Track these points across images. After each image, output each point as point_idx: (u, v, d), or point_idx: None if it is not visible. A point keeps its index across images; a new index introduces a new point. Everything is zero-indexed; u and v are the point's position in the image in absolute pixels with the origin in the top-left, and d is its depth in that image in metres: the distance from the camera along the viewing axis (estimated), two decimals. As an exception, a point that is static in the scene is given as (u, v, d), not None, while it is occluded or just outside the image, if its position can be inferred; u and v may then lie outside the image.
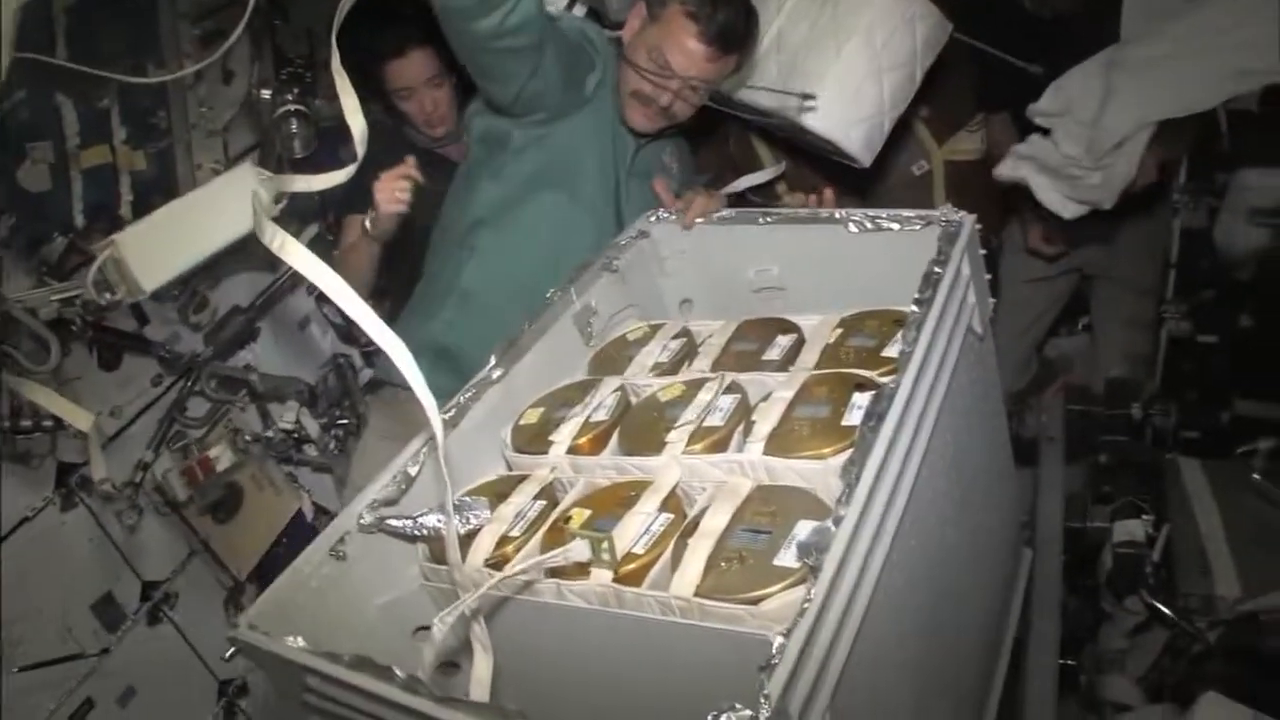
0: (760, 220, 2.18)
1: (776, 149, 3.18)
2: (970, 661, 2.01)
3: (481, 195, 2.41)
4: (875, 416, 1.43)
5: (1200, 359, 2.95)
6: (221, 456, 2.84)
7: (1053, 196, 2.67)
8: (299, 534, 3.04)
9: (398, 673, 1.27)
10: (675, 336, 2.08)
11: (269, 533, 3.02)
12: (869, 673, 1.31)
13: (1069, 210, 2.64)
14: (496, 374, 1.87)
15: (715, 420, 1.67)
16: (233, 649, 1.49)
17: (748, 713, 1.08)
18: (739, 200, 3.33)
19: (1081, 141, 2.53)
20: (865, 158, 2.74)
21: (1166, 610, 2.41)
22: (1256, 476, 2.61)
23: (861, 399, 1.58)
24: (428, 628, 1.40)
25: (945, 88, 3.13)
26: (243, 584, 2.94)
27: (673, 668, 1.43)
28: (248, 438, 2.96)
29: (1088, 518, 2.67)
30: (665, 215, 2.30)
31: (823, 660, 1.20)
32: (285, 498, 3.15)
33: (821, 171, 3.23)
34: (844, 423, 1.55)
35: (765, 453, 1.54)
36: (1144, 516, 2.61)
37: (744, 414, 1.67)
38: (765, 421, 1.60)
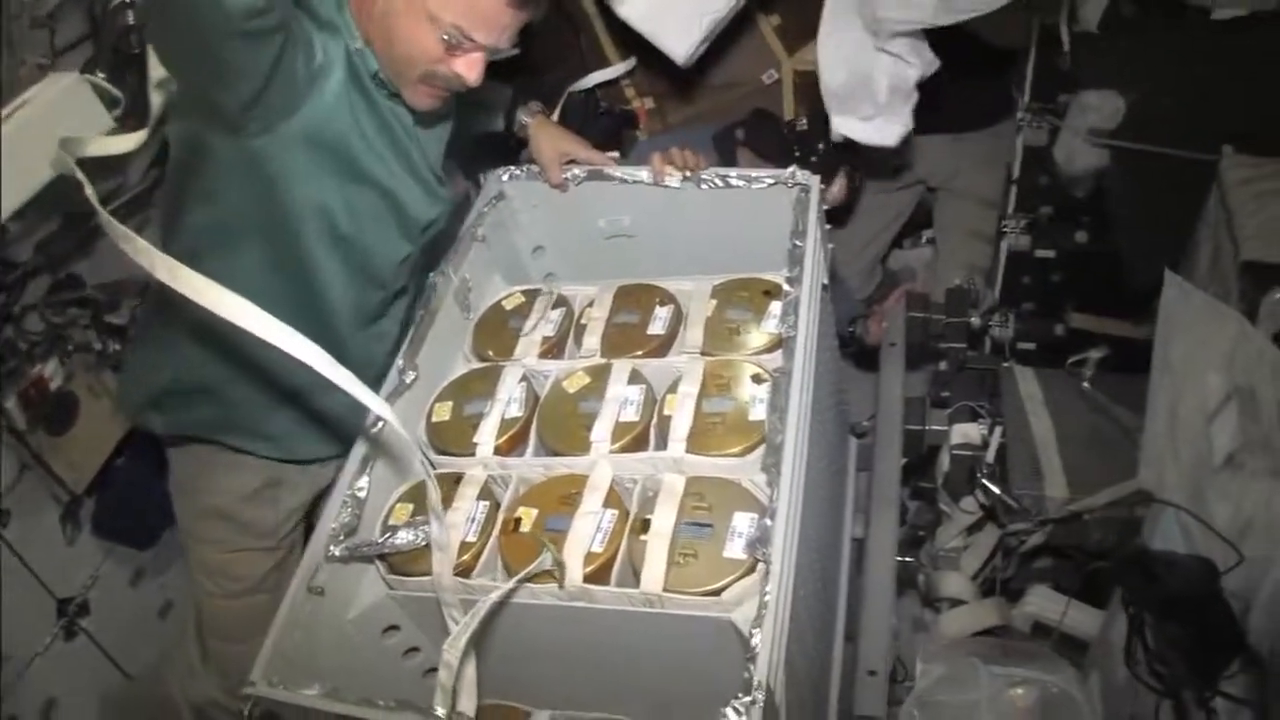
0: (617, 179, 2.32)
1: (628, 47, 3.15)
2: (830, 567, 2.31)
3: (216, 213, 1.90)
4: (777, 410, 1.74)
5: (1037, 273, 3.06)
6: (54, 373, 2.61)
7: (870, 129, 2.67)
8: (141, 445, 2.82)
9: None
10: (554, 306, 2.25)
11: (106, 444, 2.79)
12: (796, 620, 1.60)
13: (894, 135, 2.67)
14: (409, 378, 2.01)
15: (630, 415, 1.89)
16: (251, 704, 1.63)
17: (748, 698, 1.37)
18: (589, 96, 3.34)
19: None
20: (679, 55, 2.78)
21: (1006, 502, 2.50)
22: (1086, 385, 2.74)
23: (761, 391, 1.85)
24: (397, 627, 1.85)
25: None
26: (79, 498, 2.73)
27: (647, 651, 1.70)
28: (70, 347, 2.68)
29: (926, 421, 2.76)
30: (517, 173, 2.39)
31: (780, 634, 1.49)
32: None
33: (667, 75, 3.25)
34: (751, 417, 1.83)
35: (687, 451, 1.80)
36: (980, 421, 2.72)
37: (653, 406, 1.92)
38: (680, 420, 1.84)
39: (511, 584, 1.63)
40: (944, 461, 2.72)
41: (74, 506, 2.75)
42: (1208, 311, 1.94)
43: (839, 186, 2.93)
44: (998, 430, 2.67)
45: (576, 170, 2.33)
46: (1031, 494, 2.55)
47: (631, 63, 3.16)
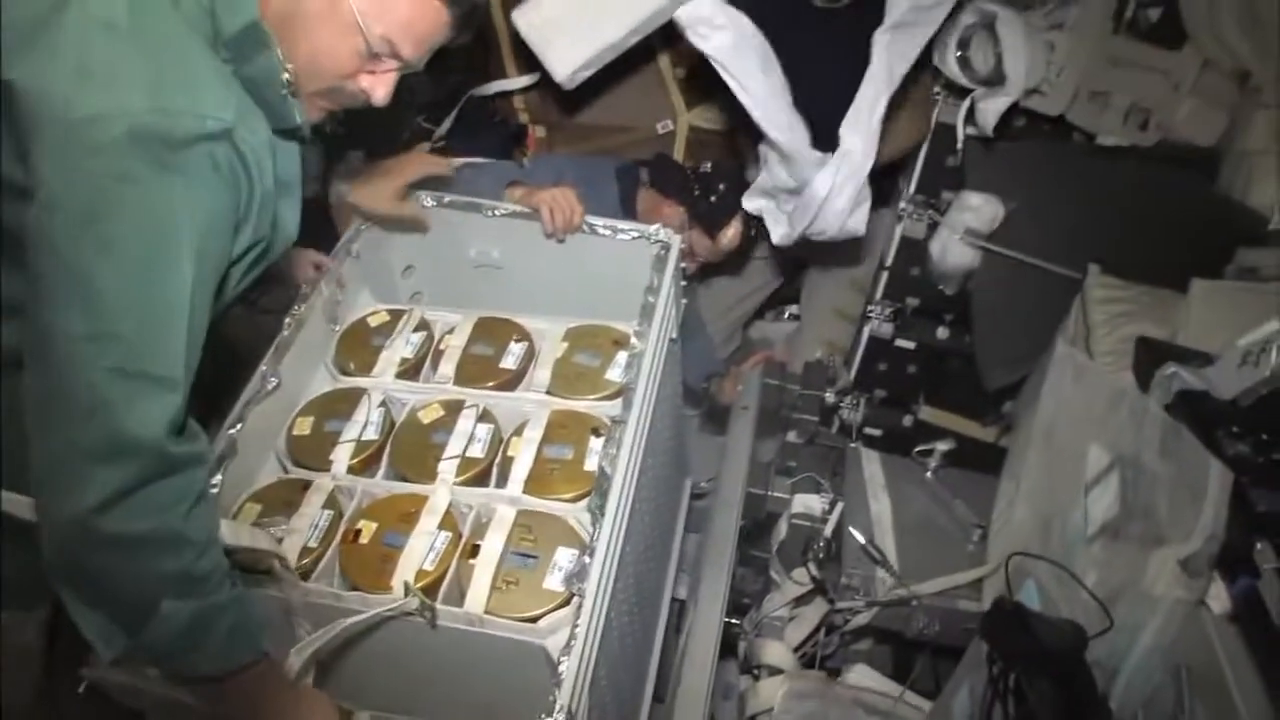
0: (487, 213, 2.39)
1: (530, 65, 3.11)
2: (650, 603, 2.41)
3: None
4: (608, 455, 1.84)
5: (894, 361, 3.10)
6: None
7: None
8: None
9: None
10: (415, 329, 2.34)
11: None
12: (605, 652, 1.75)
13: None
14: (272, 384, 2.03)
15: (476, 451, 2.02)
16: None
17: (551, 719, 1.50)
18: (486, 103, 3.28)
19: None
20: (558, 73, 2.77)
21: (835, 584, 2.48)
22: (929, 476, 2.77)
23: (596, 444, 1.99)
24: None
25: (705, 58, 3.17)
26: None
27: (467, 666, 1.79)
28: None
29: (770, 486, 2.74)
30: None
31: (587, 663, 1.61)
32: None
33: (562, 107, 3.22)
34: (585, 467, 1.96)
35: (524, 492, 1.93)
36: (822, 495, 2.71)
37: (499, 445, 2.05)
38: (521, 464, 1.96)
39: (373, 613, 1.68)
40: (781, 529, 2.69)
41: None
42: (1098, 382, 1.97)
43: (734, 231, 2.91)
44: (838, 507, 2.66)
45: (434, 201, 2.39)
46: (863, 574, 2.53)
47: (535, 77, 3.11)
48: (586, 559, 1.70)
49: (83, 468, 1.26)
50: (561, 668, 1.56)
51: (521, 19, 2.75)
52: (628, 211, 3.02)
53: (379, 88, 1.58)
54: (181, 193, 1.29)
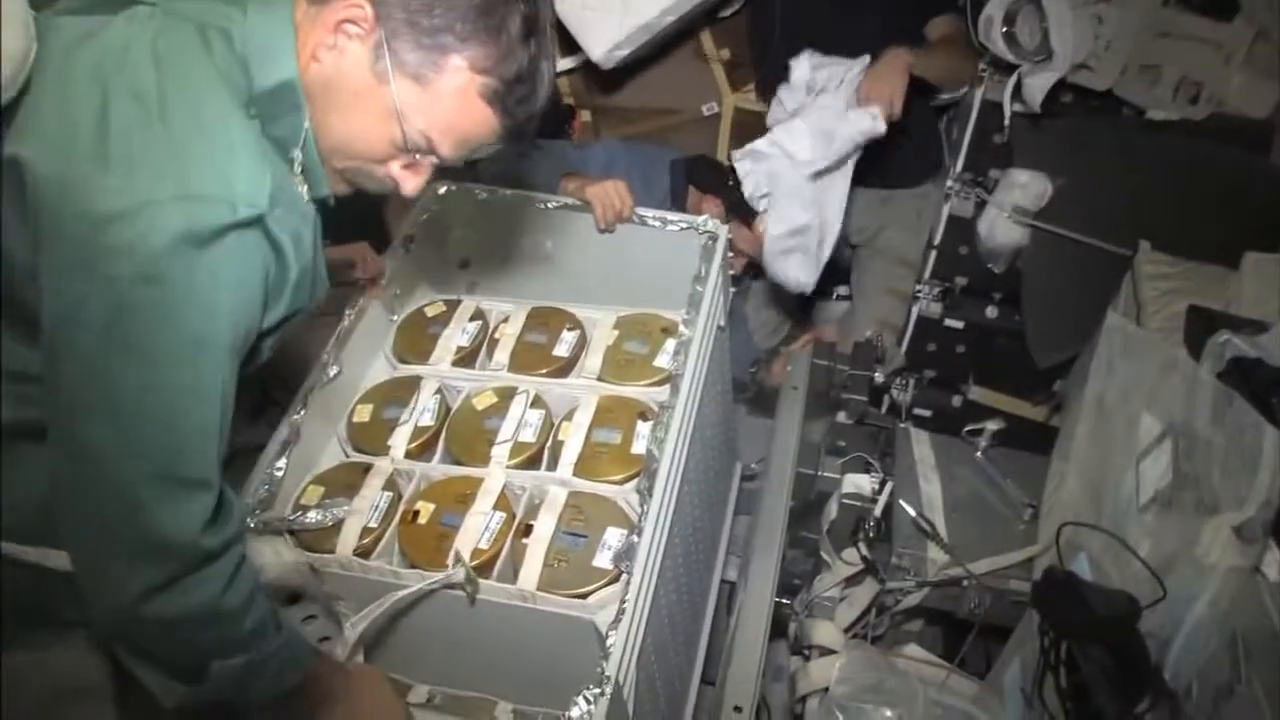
0: (540, 205, 2.44)
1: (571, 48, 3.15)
2: (700, 586, 2.42)
3: None
4: (656, 439, 1.88)
5: (943, 341, 3.09)
6: None
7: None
8: None
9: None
10: (471, 319, 2.41)
11: None
12: (653, 629, 1.79)
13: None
14: (333, 372, 2.12)
15: (528, 436, 2.08)
16: None
17: (598, 689, 1.51)
18: None
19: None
20: (595, 53, 2.88)
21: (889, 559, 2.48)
22: (979, 455, 2.76)
23: (644, 428, 2.04)
24: (300, 595, 1.91)
25: (752, 37, 3.18)
26: None
27: (519, 641, 1.84)
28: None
29: (819, 467, 2.73)
30: (453, 188, 2.47)
31: (634, 638, 1.65)
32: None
33: (608, 90, 3.25)
34: (633, 450, 2.01)
35: (574, 474, 1.99)
36: (871, 475, 2.70)
37: (550, 429, 2.10)
38: (571, 447, 2.02)
39: (419, 587, 1.76)
40: (831, 510, 2.68)
41: None
42: (1149, 351, 1.96)
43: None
44: (888, 487, 2.65)
45: (487, 193, 2.46)
46: (913, 554, 2.53)
47: (578, 59, 3.13)
48: (634, 538, 1.74)
49: (119, 565, 1.23)
50: (609, 641, 1.59)
51: (561, 2, 2.79)
52: (677, 204, 3.05)
53: (409, 181, 1.45)
54: (209, 290, 1.20)
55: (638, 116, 3.32)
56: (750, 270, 3.17)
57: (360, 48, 1.32)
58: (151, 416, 1.20)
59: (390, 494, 1.99)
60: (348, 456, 2.14)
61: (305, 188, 1.40)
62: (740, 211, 2.91)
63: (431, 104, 1.35)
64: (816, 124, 2.74)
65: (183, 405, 1.22)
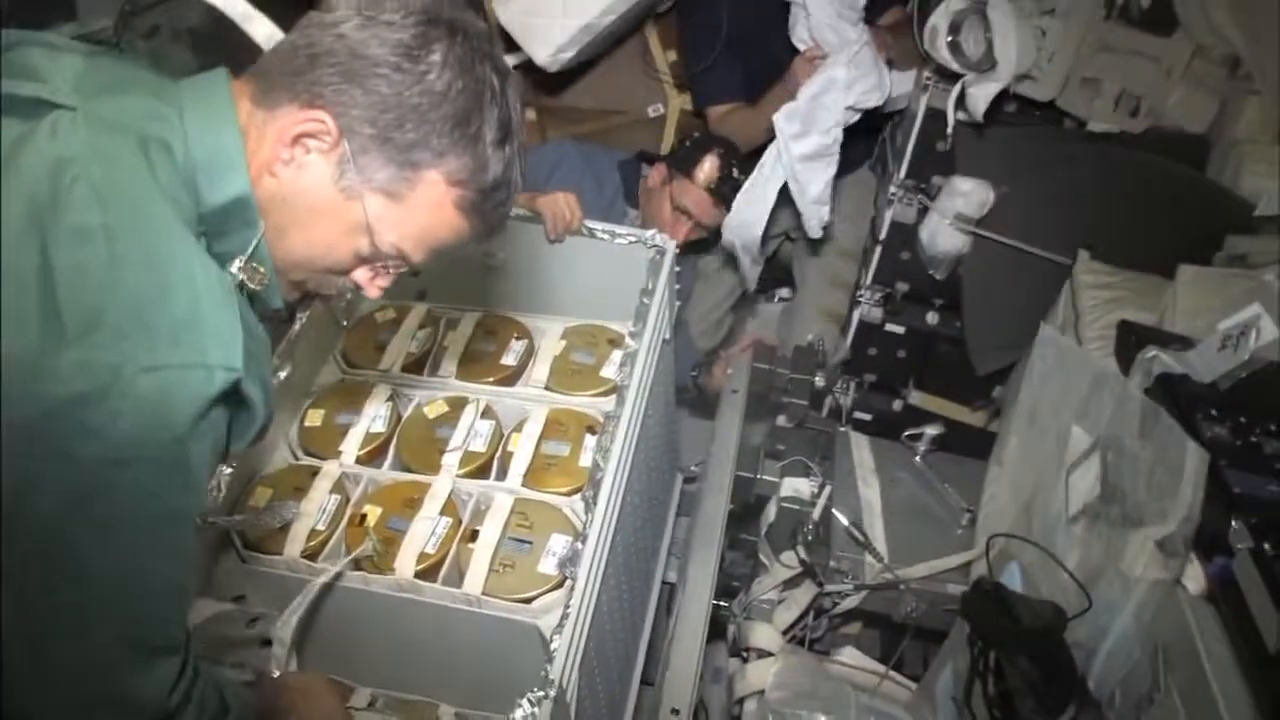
0: None
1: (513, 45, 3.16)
2: (640, 592, 2.45)
3: None
4: (602, 448, 1.89)
5: (884, 346, 3.11)
6: None
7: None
8: None
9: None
10: (421, 325, 2.43)
11: None
12: (595, 634, 1.81)
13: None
14: (284, 373, 2.12)
15: (478, 446, 2.11)
16: None
17: (541, 693, 1.51)
18: None
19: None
20: (539, 57, 2.94)
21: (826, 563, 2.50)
22: (918, 460, 2.78)
23: (591, 441, 2.08)
24: (243, 596, 1.94)
25: (690, 43, 3.21)
26: None
27: (463, 644, 1.88)
28: None
29: (759, 470, 2.75)
30: None
31: (578, 642, 1.66)
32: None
33: (552, 90, 3.26)
34: (580, 463, 2.05)
35: (522, 485, 2.03)
36: (811, 479, 2.71)
37: (499, 440, 2.14)
38: (520, 458, 2.06)
39: (337, 568, 1.82)
40: (770, 513, 2.69)
41: None
42: (1081, 364, 1.99)
43: (710, 165, 2.96)
44: (826, 490, 2.67)
45: None
46: (852, 557, 2.55)
47: (521, 57, 3.13)
48: (579, 545, 1.75)
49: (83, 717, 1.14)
50: (553, 645, 1.60)
51: (502, 12, 2.88)
52: (629, 200, 3.06)
53: (374, 286, 1.38)
54: (185, 470, 1.10)
55: (583, 116, 3.32)
56: (694, 242, 3.20)
57: (323, 163, 1.22)
58: (120, 591, 1.10)
59: (338, 497, 2.00)
60: (297, 459, 2.14)
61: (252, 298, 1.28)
62: (681, 164, 2.98)
63: (404, 218, 1.27)
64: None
65: (153, 579, 1.13)
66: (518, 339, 2.37)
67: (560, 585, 1.79)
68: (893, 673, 2.45)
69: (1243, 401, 1.71)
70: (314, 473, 2.05)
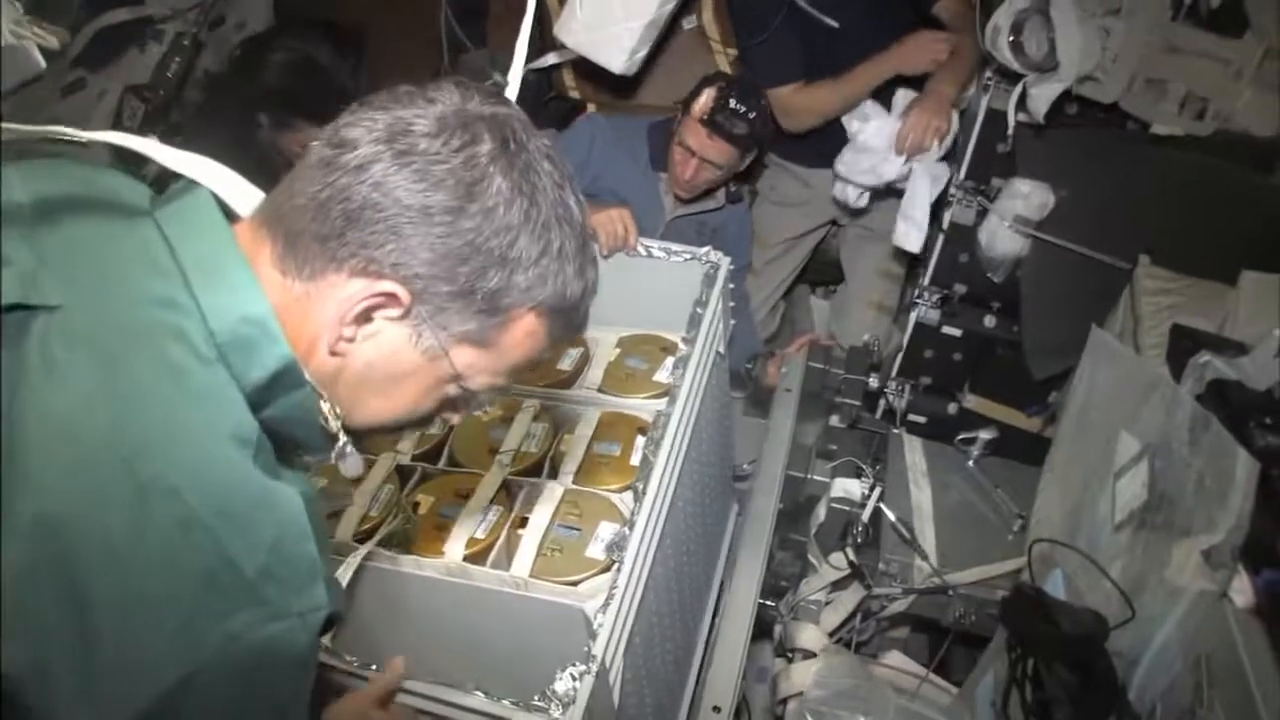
0: None
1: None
2: (694, 597, 2.44)
3: None
4: (653, 442, 1.96)
5: (940, 349, 3.08)
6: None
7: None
8: None
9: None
10: None
11: None
12: (643, 623, 1.86)
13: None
14: None
15: (531, 447, 2.15)
16: None
17: (583, 667, 1.55)
18: (542, 78, 3.38)
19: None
20: (616, 66, 3.00)
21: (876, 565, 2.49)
22: (971, 464, 2.76)
23: (642, 442, 2.07)
24: None
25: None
26: None
27: (510, 627, 1.89)
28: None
29: (810, 470, 2.74)
30: None
31: (622, 624, 1.70)
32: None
33: (614, 87, 3.28)
34: (631, 462, 2.07)
35: (574, 483, 2.06)
36: (862, 480, 2.70)
37: (552, 440, 2.18)
38: (572, 457, 2.10)
39: (375, 540, 1.88)
40: (820, 513, 2.69)
41: None
42: (1132, 370, 1.96)
43: (706, 96, 2.97)
44: (877, 491, 2.66)
45: None
46: (901, 561, 2.53)
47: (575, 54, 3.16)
48: (627, 530, 1.80)
49: None
50: (597, 623, 1.64)
51: (568, 37, 2.98)
52: (659, 165, 3.07)
53: (457, 416, 1.28)
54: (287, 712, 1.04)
55: (645, 113, 3.32)
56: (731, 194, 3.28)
57: (395, 329, 1.09)
58: None
59: (392, 487, 2.05)
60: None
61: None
62: (685, 106, 3.03)
63: (497, 359, 1.15)
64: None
65: None
66: (573, 346, 2.42)
67: (607, 569, 1.81)
68: (935, 677, 2.43)
69: (1298, 409, 1.68)
70: (369, 464, 2.09)
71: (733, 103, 2.94)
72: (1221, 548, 1.54)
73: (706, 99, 2.95)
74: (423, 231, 1.02)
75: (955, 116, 3.02)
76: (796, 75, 3.17)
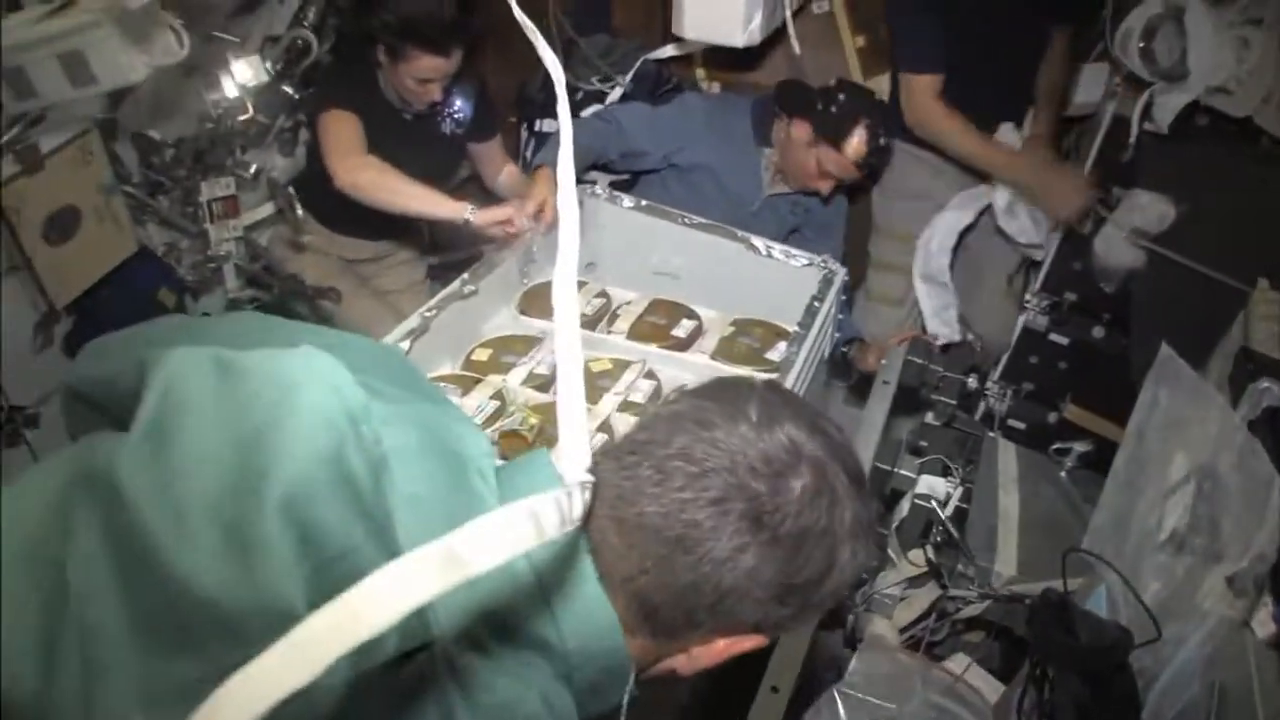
0: (679, 220, 2.71)
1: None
2: None
3: None
4: None
5: (1046, 355, 3.04)
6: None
7: None
8: (133, 277, 2.88)
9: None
10: (596, 295, 2.63)
11: (98, 268, 2.78)
12: None
13: None
14: (468, 290, 2.36)
15: (637, 398, 2.24)
16: None
17: None
18: (661, 67, 3.44)
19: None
20: (737, 41, 2.99)
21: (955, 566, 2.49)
22: (1064, 475, 2.72)
23: None
24: None
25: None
26: (57, 312, 2.71)
27: None
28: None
29: (897, 464, 2.74)
30: (598, 192, 2.79)
31: None
32: (124, 236, 2.86)
33: (737, 66, 3.32)
34: None
35: None
36: (949, 479, 2.69)
37: (659, 397, 2.24)
38: None
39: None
40: (903, 509, 2.68)
41: (50, 319, 2.74)
42: (1191, 390, 1.92)
43: (858, 139, 2.96)
44: (958, 491, 2.64)
45: (632, 203, 2.82)
46: (981, 565, 2.52)
47: (703, 43, 3.21)
48: None
49: None
50: None
51: (688, 30, 2.97)
52: (761, 141, 3.09)
53: None
54: None
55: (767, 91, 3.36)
56: (835, 190, 3.24)
57: None
58: None
59: (497, 403, 2.15)
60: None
61: None
62: (829, 132, 2.97)
63: None
64: None
65: None
66: (688, 319, 2.50)
67: None
68: (968, 678, 2.41)
69: (1352, 446, 1.63)
70: (476, 381, 2.21)
71: (882, 140, 2.98)
72: (1245, 574, 1.51)
73: (859, 143, 2.96)
74: (791, 602, 1.00)
75: None
76: (938, 67, 3.12)
